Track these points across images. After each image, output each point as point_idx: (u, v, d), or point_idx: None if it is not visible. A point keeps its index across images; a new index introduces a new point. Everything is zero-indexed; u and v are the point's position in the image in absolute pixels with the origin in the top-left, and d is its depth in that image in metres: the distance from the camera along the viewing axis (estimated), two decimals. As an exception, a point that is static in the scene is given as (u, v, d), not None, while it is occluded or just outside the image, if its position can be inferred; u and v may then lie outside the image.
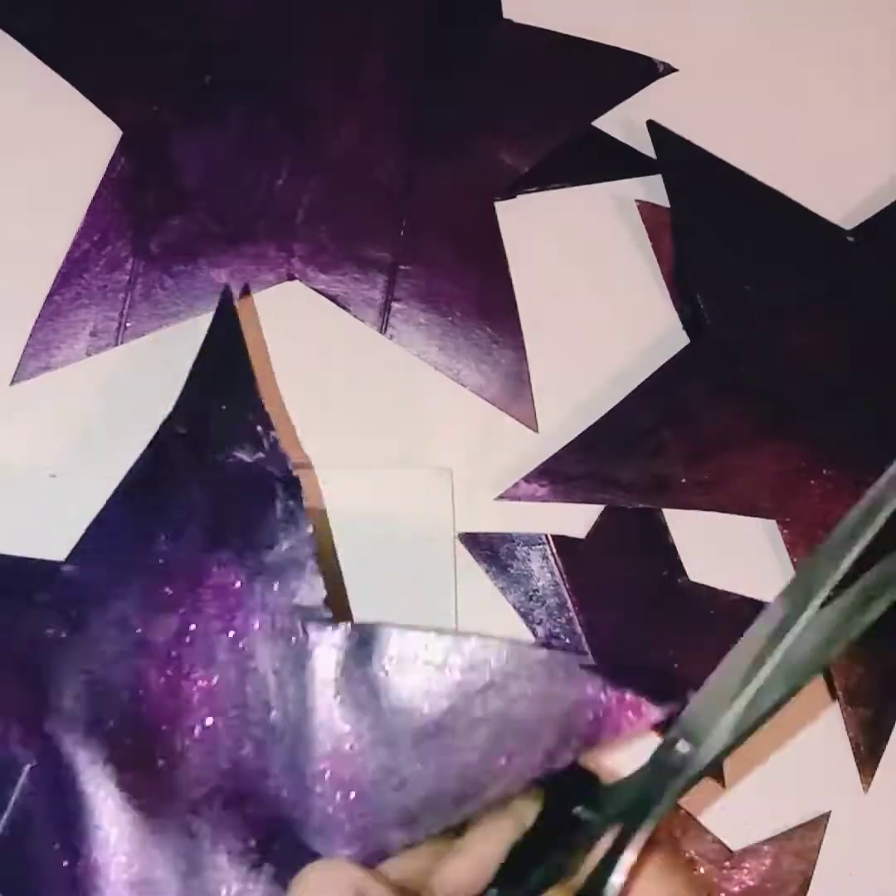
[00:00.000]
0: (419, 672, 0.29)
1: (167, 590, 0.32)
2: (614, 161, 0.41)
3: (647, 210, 0.41)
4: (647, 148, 0.41)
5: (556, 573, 0.39)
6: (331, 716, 0.30)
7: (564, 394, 0.40)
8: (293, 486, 0.32)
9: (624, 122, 0.41)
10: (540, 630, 0.39)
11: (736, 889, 0.38)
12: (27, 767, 0.31)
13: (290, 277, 0.39)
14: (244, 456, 0.32)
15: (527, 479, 0.38)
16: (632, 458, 0.39)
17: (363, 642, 0.30)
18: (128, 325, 0.38)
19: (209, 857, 0.30)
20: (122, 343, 0.38)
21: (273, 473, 0.32)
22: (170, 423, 0.33)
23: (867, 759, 0.39)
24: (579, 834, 0.26)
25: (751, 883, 0.38)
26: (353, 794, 0.29)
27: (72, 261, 0.38)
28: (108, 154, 0.38)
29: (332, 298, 0.39)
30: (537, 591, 0.39)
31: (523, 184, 0.40)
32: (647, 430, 0.39)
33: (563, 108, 0.41)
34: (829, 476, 0.39)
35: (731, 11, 0.43)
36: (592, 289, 0.41)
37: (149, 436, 0.37)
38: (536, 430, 0.39)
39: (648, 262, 0.41)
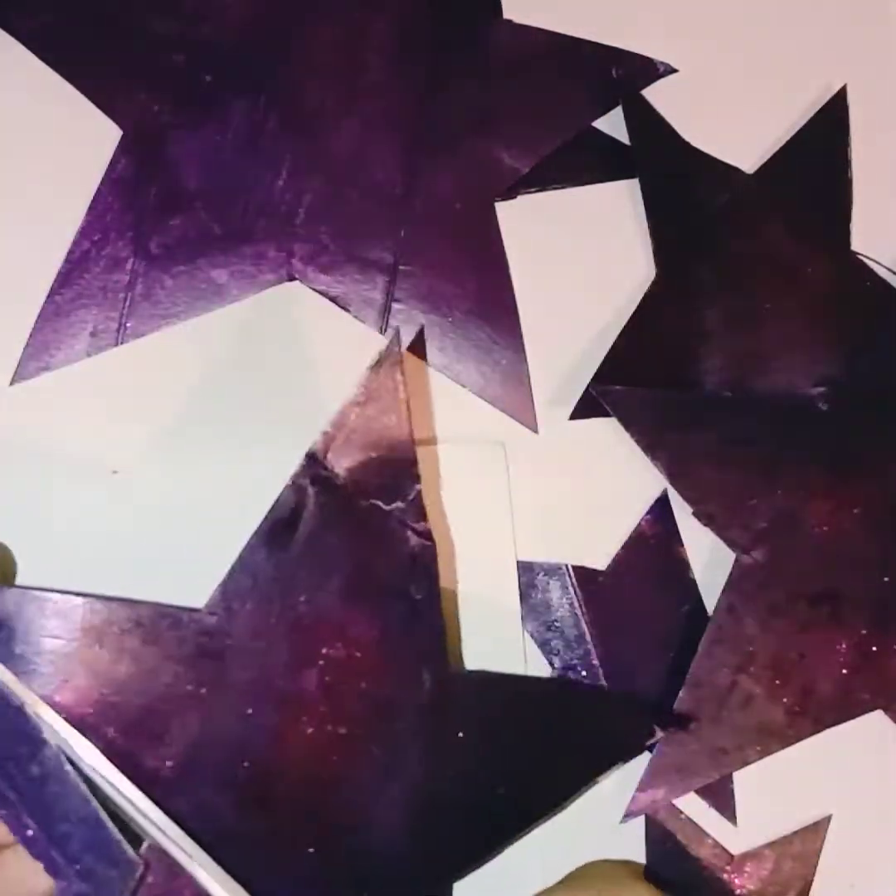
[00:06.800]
0: None
1: (308, 642, 0.32)
2: (614, 161, 0.41)
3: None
4: (647, 148, 0.41)
5: (576, 604, 0.39)
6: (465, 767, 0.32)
7: (564, 394, 0.40)
8: (426, 537, 0.32)
9: (624, 122, 0.41)
10: (557, 660, 0.39)
11: (737, 893, 0.38)
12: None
13: (291, 278, 0.39)
14: (382, 503, 0.32)
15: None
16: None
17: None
18: (128, 325, 0.38)
19: None
20: (122, 343, 0.38)
21: (408, 524, 0.32)
22: (313, 465, 0.32)
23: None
24: None
25: (751, 887, 0.38)
26: None
27: (72, 261, 0.38)
28: (108, 154, 0.38)
29: (333, 299, 0.39)
30: (556, 620, 0.39)
31: (523, 184, 0.40)
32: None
33: (563, 108, 0.41)
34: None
35: (732, 11, 0.43)
36: (592, 289, 0.41)
37: (148, 437, 0.38)
38: (536, 431, 0.39)
39: (648, 262, 0.41)
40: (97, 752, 0.29)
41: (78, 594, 0.31)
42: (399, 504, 0.32)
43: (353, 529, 0.32)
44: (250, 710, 0.31)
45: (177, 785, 0.31)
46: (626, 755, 0.36)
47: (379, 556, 0.32)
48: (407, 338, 0.39)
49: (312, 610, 0.32)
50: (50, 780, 0.29)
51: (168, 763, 0.31)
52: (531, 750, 0.34)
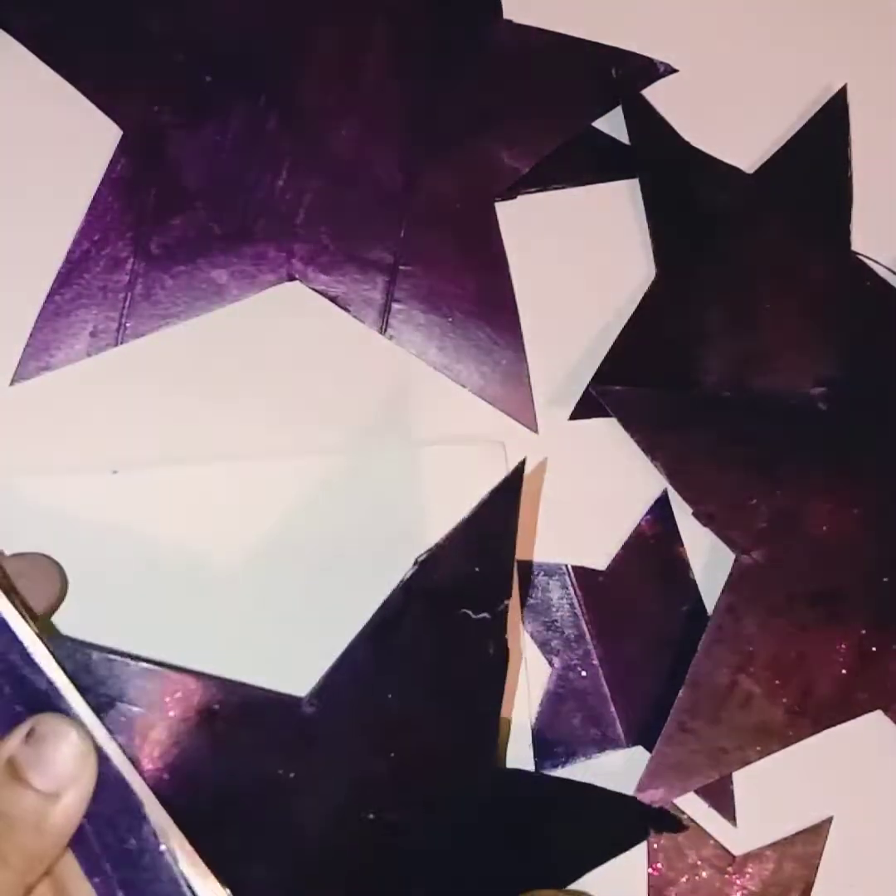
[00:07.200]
0: None
1: (386, 734, 0.32)
2: (614, 161, 0.41)
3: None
4: (647, 148, 0.41)
5: (576, 604, 0.39)
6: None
7: (564, 394, 0.40)
8: (503, 651, 0.33)
9: (624, 122, 0.41)
10: (557, 660, 0.39)
11: (738, 894, 0.38)
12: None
13: (291, 278, 0.39)
14: (471, 612, 0.33)
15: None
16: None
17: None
18: (128, 325, 0.38)
19: None
20: (122, 343, 0.38)
21: (490, 637, 0.33)
22: (425, 572, 0.32)
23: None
24: None
25: (753, 888, 0.38)
26: None
27: (72, 261, 0.38)
28: (108, 154, 0.38)
29: (332, 299, 0.39)
30: (555, 620, 0.39)
31: (523, 184, 0.40)
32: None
33: (563, 108, 0.41)
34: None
35: (732, 11, 0.43)
36: (592, 289, 0.41)
37: (147, 437, 0.38)
38: (536, 431, 0.39)
39: (648, 262, 0.41)
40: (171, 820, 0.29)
41: (179, 669, 0.31)
42: (485, 615, 0.32)
43: (444, 635, 0.33)
44: (325, 793, 0.32)
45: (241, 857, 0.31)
46: (620, 851, 0.36)
47: (457, 661, 0.33)
48: (406, 336, 0.39)
49: (397, 707, 0.32)
50: (145, 855, 0.28)
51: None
52: (548, 842, 0.35)
